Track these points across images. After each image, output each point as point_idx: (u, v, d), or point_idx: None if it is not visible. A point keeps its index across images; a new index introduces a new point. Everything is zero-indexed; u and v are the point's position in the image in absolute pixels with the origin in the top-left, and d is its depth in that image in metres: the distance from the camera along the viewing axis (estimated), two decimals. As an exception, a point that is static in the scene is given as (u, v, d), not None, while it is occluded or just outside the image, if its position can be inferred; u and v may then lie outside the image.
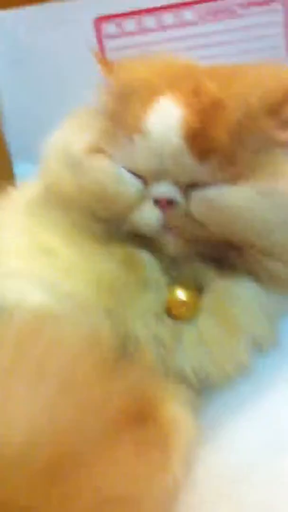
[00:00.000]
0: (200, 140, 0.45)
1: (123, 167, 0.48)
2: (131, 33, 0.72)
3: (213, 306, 0.49)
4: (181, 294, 0.49)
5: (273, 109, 0.45)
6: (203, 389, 0.48)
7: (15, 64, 0.75)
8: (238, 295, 0.49)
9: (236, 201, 0.45)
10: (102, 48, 0.71)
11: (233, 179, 0.45)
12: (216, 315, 0.48)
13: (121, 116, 0.48)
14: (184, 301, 0.49)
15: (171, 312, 0.49)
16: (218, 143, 0.45)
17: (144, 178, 0.47)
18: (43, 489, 0.31)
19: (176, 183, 0.46)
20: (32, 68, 0.75)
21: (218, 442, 0.44)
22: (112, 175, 0.48)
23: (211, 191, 0.46)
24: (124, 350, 0.47)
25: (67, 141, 0.52)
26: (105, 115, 0.50)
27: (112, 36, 0.72)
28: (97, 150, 0.49)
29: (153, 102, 0.47)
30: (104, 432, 0.36)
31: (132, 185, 0.48)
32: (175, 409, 0.45)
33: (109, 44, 0.71)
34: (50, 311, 0.46)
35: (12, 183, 0.75)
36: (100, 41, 0.71)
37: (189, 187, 0.46)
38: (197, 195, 0.46)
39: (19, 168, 0.80)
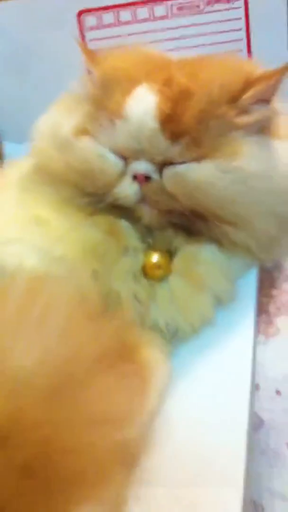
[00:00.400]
0: (171, 124, 0.51)
1: (106, 147, 0.53)
2: (109, 25, 0.75)
3: (182, 268, 0.55)
4: (155, 258, 0.55)
5: (233, 98, 0.51)
6: (173, 339, 0.54)
7: (3, 52, 0.78)
8: (203, 258, 0.55)
9: (201, 176, 0.51)
10: (83, 39, 0.74)
11: (199, 158, 0.51)
12: (184, 275, 0.55)
13: (104, 102, 0.53)
14: (158, 264, 0.55)
15: (147, 273, 0.55)
16: (186, 127, 0.51)
17: (124, 157, 0.53)
18: (47, 405, 0.38)
19: (152, 161, 0.52)
20: (20, 57, 0.78)
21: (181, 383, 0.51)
22: (97, 154, 0.53)
23: (181, 168, 0.52)
24: (108, 305, 0.52)
25: (56, 124, 0.57)
26: (89, 101, 0.56)
27: (93, 28, 0.76)
28: (83, 132, 0.54)
29: (131, 91, 0.52)
30: (93, 366, 0.42)
31: (114, 163, 0.53)
32: (151, 353, 0.51)
33: (89, 35, 0.75)
34: (45, 273, 0.51)
35: (1, 162, 0.80)
36: (82, 33, 0.75)
37: (162, 165, 0.52)
38: (169, 172, 0.52)
39: (6, 148, 0.83)
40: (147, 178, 0.53)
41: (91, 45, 0.75)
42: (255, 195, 0.52)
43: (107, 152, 0.53)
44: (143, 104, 0.51)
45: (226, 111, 0.51)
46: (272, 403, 0.72)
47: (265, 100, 0.52)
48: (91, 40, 0.75)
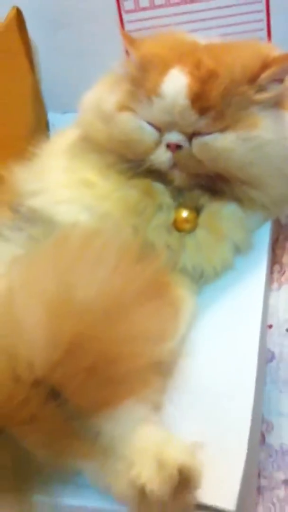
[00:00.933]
0: (200, 101, 0.59)
1: (144, 120, 0.62)
2: (145, 8, 0.82)
3: (207, 222, 0.64)
4: (184, 213, 0.64)
5: (252, 78, 0.59)
6: (200, 280, 0.64)
7: (51, 26, 0.84)
8: (225, 214, 0.64)
9: (224, 144, 0.60)
10: (121, 20, 0.82)
11: (223, 129, 0.60)
12: (209, 228, 0.64)
13: (142, 81, 0.62)
14: (186, 219, 0.64)
15: (177, 226, 0.64)
16: (212, 103, 0.59)
17: (159, 129, 0.62)
18: (103, 325, 0.48)
19: (183, 132, 0.61)
20: (65, 33, 0.85)
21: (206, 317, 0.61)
22: (136, 126, 0.62)
23: (207, 138, 0.60)
24: (146, 253, 0.60)
25: (100, 100, 0.66)
26: (129, 80, 0.64)
27: (130, 11, 0.82)
28: (124, 107, 0.63)
29: (166, 72, 0.60)
30: (137, 297, 0.52)
31: (151, 134, 0.62)
32: (181, 291, 0.61)
33: (127, 17, 0.82)
34: (94, 226, 0.61)
35: (47, 131, 0.88)
36: (120, 15, 0.82)
37: (191, 135, 0.61)
38: (198, 141, 0.61)
39: (50, 118, 0.91)
40: (178, 147, 0.61)
41: (129, 26, 0.82)
42: (270, 159, 0.61)
43: (145, 125, 0.62)
44: (176, 84, 0.59)
45: (246, 89, 0.59)
46: (282, 340, 0.83)
47: (279, 79, 0.60)
48: (128, 21, 0.82)
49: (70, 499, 0.48)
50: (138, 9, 0.82)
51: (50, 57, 0.86)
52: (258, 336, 0.59)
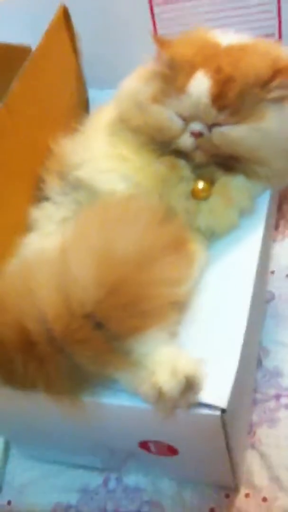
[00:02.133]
0: (219, 100, 0.67)
1: (173, 111, 0.70)
2: (172, 2, 0.88)
3: (219, 191, 0.73)
4: (201, 184, 0.73)
5: (264, 83, 0.67)
6: (211, 237, 0.74)
7: (92, 25, 0.92)
8: (234, 184, 0.73)
9: (238, 134, 0.69)
10: (152, 12, 0.88)
11: (237, 122, 0.68)
12: (220, 196, 0.73)
13: (171, 79, 0.70)
14: (202, 189, 0.73)
15: (194, 194, 0.73)
16: (229, 102, 0.67)
17: (185, 119, 0.70)
18: (136, 272, 0.59)
19: (204, 123, 0.69)
20: (103, 28, 0.93)
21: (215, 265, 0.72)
22: (166, 117, 0.71)
23: (225, 128, 0.69)
24: (169, 216, 0.69)
25: (136, 90, 0.74)
26: (160, 76, 0.72)
27: (159, 4, 0.89)
28: (156, 100, 0.71)
29: (192, 74, 0.68)
30: (162, 250, 0.63)
31: (178, 123, 0.70)
32: (197, 246, 0.72)
33: (157, 9, 0.89)
34: (130, 193, 0.71)
35: (88, 106, 0.96)
36: (151, 8, 0.88)
37: (211, 125, 0.69)
38: (216, 130, 0.69)
39: (89, 93, 0.99)
40: (200, 134, 0.70)
41: (158, 18, 0.88)
42: (275, 143, 0.70)
43: (174, 115, 0.70)
44: (200, 85, 0.68)
45: (258, 91, 0.67)
46: (282, 283, 0.96)
47: (285, 86, 0.68)
48: (159, 13, 0.88)
49: (110, 399, 0.61)
50: (166, 2, 0.88)
51: (91, 42, 0.92)
52: (253, 279, 0.68)
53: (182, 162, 0.74)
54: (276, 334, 0.89)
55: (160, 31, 0.91)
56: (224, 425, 0.60)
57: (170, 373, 0.57)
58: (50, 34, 0.81)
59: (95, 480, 0.82)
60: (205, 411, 0.59)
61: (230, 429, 0.62)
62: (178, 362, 0.58)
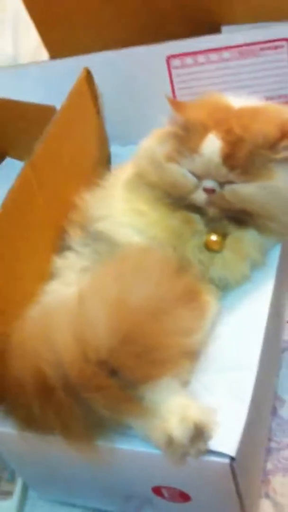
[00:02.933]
0: (230, 160, 0.70)
1: (187, 170, 0.73)
2: (189, 66, 0.93)
3: (232, 244, 0.75)
4: (214, 237, 0.75)
5: (272, 146, 0.70)
6: (223, 289, 0.77)
7: (115, 86, 0.98)
8: (246, 239, 0.75)
9: (248, 191, 0.71)
10: (170, 75, 0.93)
11: (247, 180, 0.71)
12: (233, 250, 0.75)
13: (186, 140, 0.73)
14: (216, 242, 0.75)
15: (208, 247, 0.75)
16: (239, 162, 0.70)
17: (198, 177, 0.73)
18: (148, 322, 0.62)
19: (216, 180, 0.72)
20: (126, 88, 0.98)
21: (227, 316, 0.74)
22: (181, 174, 0.73)
23: (236, 186, 0.71)
24: (183, 267, 0.72)
25: (153, 149, 0.77)
26: (175, 137, 0.75)
27: (177, 67, 0.93)
28: (171, 159, 0.74)
29: (205, 136, 0.71)
30: (175, 302, 0.65)
31: (192, 180, 0.73)
32: (209, 298, 0.74)
33: (175, 72, 0.93)
34: (145, 246, 0.73)
35: (109, 163, 1.00)
36: (169, 70, 0.93)
37: (223, 183, 0.72)
38: (228, 188, 0.72)
39: (112, 149, 1.03)
40: (213, 191, 0.72)
41: (176, 79, 0.93)
42: (283, 201, 0.72)
43: (188, 173, 0.73)
44: (212, 146, 0.70)
45: (266, 152, 0.70)
46: None
47: None
48: (176, 76, 0.93)
49: (123, 444, 0.63)
50: (183, 65, 0.92)
51: (114, 101, 0.98)
52: (264, 329, 0.70)
53: (196, 217, 0.76)
54: (292, 383, 0.90)
55: (178, 93, 0.95)
56: (233, 472, 0.61)
57: (180, 421, 0.59)
58: (73, 95, 0.86)
59: (111, 525, 0.83)
60: (214, 458, 0.60)
61: (240, 477, 0.63)
62: (188, 410, 0.60)
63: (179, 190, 0.75)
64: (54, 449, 0.65)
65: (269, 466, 0.82)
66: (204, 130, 0.72)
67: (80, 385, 0.60)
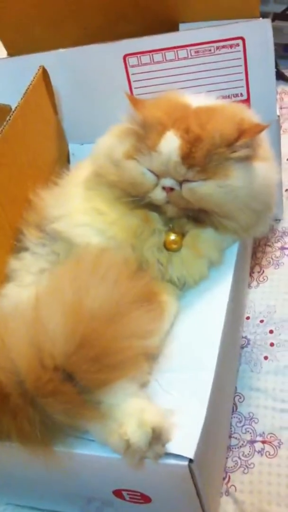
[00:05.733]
0: (188, 158, 0.69)
1: (145, 168, 0.71)
2: (146, 64, 0.90)
3: (190, 243, 0.74)
4: (172, 236, 0.74)
5: (229, 144, 0.69)
6: (182, 288, 0.76)
7: (72, 84, 0.94)
8: (204, 237, 0.74)
9: (206, 190, 0.70)
10: (127, 73, 0.91)
11: (205, 179, 0.70)
12: (191, 248, 0.74)
13: (144, 138, 0.71)
14: (174, 241, 0.74)
15: (166, 247, 0.74)
16: (197, 160, 0.69)
17: (157, 175, 0.71)
18: (104, 326, 0.60)
19: (175, 179, 0.70)
20: (83, 87, 0.95)
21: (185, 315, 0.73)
22: (139, 172, 0.72)
23: (194, 184, 0.70)
24: (141, 267, 0.72)
25: (111, 147, 0.75)
26: (134, 135, 0.73)
27: (134, 66, 0.91)
28: (130, 156, 0.72)
29: (163, 134, 0.70)
30: (132, 304, 0.63)
31: (150, 178, 0.72)
32: (168, 297, 0.73)
33: (131, 70, 0.91)
34: (104, 247, 0.71)
35: (68, 161, 0.98)
36: (126, 69, 0.91)
37: (182, 181, 0.70)
38: (186, 186, 0.71)
39: (70, 147, 1.01)
40: (171, 189, 0.71)
41: (133, 78, 0.91)
42: (239, 200, 0.71)
43: (146, 171, 0.71)
44: (170, 144, 0.69)
45: (224, 151, 0.69)
46: (256, 329, 0.95)
47: (249, 146, 0.70)
48: (133, 74, 0.91)
49: (80, 450, 0.61)
50: (140, 64, 0.90)
51: (71, 100, 0.95)
52: (222, 327, 0.69)
53: (154, 215, 0.75)
54: (250, 379, 0.89)
55: (135, 92, 0.93)
56: (192, 474, 0.60)
57: (137, 425, 0.57)
58: (29, 94, 0.83)
59: (73, 527, 0.81)
60: (173, 461, 0.59)
61: (200, 477, 0.61)
62: (145, 414, 0.58)
63: (138, 188, 0.73)
64: (11, 454, 0.63)
65: (230, 463, 0.81)
66: (162, 128, 0.70)
67: (36, 391, 0.58)
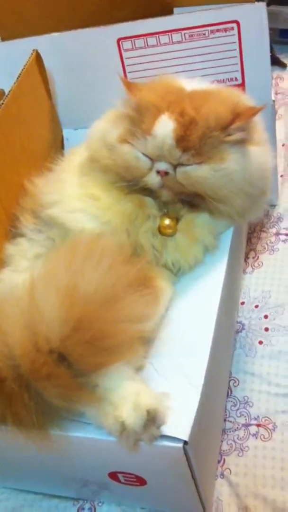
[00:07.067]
0: (182, 141, 0.68)
1: (140, 152, 0.71)
2: (140, 48, 0.90)
3: (185, 228, 0.74)
4: (167, 221, 0.74)
5: (223, 127, 0.69)
6: (177, 273, 0.76)
7: (65, 68, 0.93)
8: (199, 222, 0.74)
9: (201, 173, 0.70)
10: (121, 57, 0.90)
11: (200, 162, 0.69)
12: (186, 233, 0.74)
13: (139, 122, 0.71)
14: (169, 226, 0.74)
15: (161, 231, 0.74)
16: (192, 143, 0.68)
17: (151, 159, 0.71)
18: (100, 309, 0.60)
19: (169, 163, 0.70)
20: (77, 71, 0.94)
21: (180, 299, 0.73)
22: (134, 156, 0.71)
23: (188, 168, 0.70)
24: (136, 252, 0.72)
25: (105, 132, 0.75)
26: (128, 118, 0.73)
27: (128, 50, 0.90)
28: (124, 140, 0.72)
29: (158, 117, 0.69)
30: (127, 288, 0.63)
31: (145, 162, 0.71)
32: (163, 282, 0.73)
33: (126, 54, 0.90)
34: (99, 232, 0.71)
35: (62, 146, 0.97)
36: (120, 53, 0.90)
37: (176, 165, 0.70)
38: (181, 170, 0.70)
39: (64, 133, 1.01)
40: (166, 173, 0.70)
41: (127, 62, 0.91)
42: (234, 183, 0.71)
43: (141, 155, 0.71)
44: (165, 127, 0.69)
45: (218, 134, 0.69)
46: (251, 314, 0.96)
47: (244, 129, 0.70)
48: (127, 58, 0.90)
49: (76, 433, 0.62)
50: (134, 48, 0.90)
51: (66, 84, 0.95)
52: (216, 312, 0.69)
53: (149, 200, 0.74)
54: (245, 364, 0.89)
55: (129, 76, 0.92)
56: (187, 456, 0.60)
57: (132, 408, 0.58)
58: (23, 78, 0.82)
59: (69, 509, 0.81)
60: (168, 443, 0.59)
61: (195, 460, 0.62)
62: (140, 397, 0.59)
63: (132, 173, 0.72)
64: (7, 438, 0.62)
65: (225, 446, 0.82)
66: (157, 111, 0.70)
67: (31, 375, 0.58)
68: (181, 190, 0.72)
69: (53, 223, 0.76)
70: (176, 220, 0.75)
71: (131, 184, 0.74)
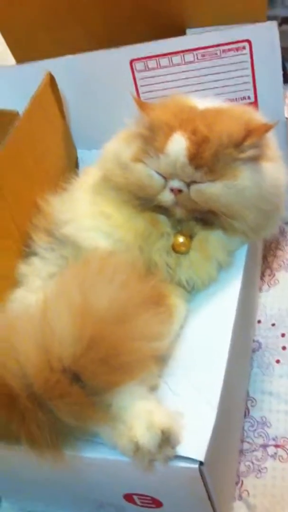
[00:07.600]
0: (195, 159, 0.68)
1: (153, 170, 0.71)
2: (153, 69, 0.91)
3: (198, 246, 0.74)
4: (181, 239, 0.73)
5: (236, 144, 0.69)
6: (191, 291, 0.75)
7: (79, 90, 0.95)
8: (212, 239, 0.74)
9: (214, 191, 0.69)
10: (134, 78, 0.91)
11: (213, 180, 0.69)
12: (199, 251, 0.74)
13: (151, 140, 0.71)
14: (182, 243, 0.73)
15: (175, 249, 0.74)
16: (205, 161, 0.68)
17: (164, 177, 0.71)
18: (112, 327, 0.59)
19: (183, 181, 0.70)
20: (90, 93, 0.96)
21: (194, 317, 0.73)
22: (147, 174, 0.72)
23: (201, 186, 0.70)
24: (149, 270, 0.72)
25: (118, 151, 0.76)
26: (141, 138, 0.73)
27: (141, 71, 0.91)
28: (137, 159, 0.72)
29: (170, 135, 0.69)
30: (140, 307, 0.63)
31: (158, 180, 0.71)
32: (177, 300, 0.72)
33: (138, 75, 0.91)
34: (111, 250, 0.71)
35: (76, 167, 0.98)
36: (133, 74, 0.91)
37: (189, 183, 0.70)
38: (194, 188, 0.70)
39: (78, 153, 1.02)
40: (179, 191, 0.70)
41: (140, 83, 0.92)
42: (248, 200, 0.70)
43: (154, 173, 0.71)
44: (177, 146, 0.69)
45: (231, 151, 0.69)
46: (268, 332, 0.95)
47: (257, 146, 0.70)
48: (140, 79, 0.91)
49: (91, 453, 0.61)
50: (147, 69, 0.91)
51: (79, 106, 0.96)
52: (231, 330, 0.68)
53: (162, 218, 0.74)
54: (263, 383, 0.88)
55: (142, 96, 0.93)
56: (203, 477, 0.59)
57: (146, 427, 0.57)
58: (36, 100, 0.83)
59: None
60: (183, 464, 0.58)
61: (211, 481, 0.61)
62: (155, 416, 0.58)
63: (145, 191, 0.73)
64: (21, 458, 0.62)
65: (242, 467, 0.80)
66: (169, 130, 0.70)
67: (44, 394, 0.58)
68: (194, 207, 0.72)
69: (66, 241, 0.76)
70: (190, 237, 0.74)
71: (144, 202, 0.74)
